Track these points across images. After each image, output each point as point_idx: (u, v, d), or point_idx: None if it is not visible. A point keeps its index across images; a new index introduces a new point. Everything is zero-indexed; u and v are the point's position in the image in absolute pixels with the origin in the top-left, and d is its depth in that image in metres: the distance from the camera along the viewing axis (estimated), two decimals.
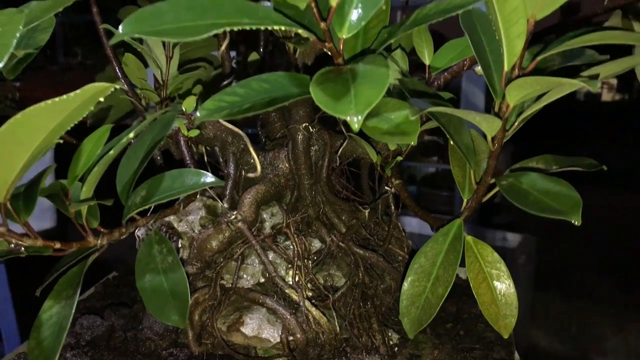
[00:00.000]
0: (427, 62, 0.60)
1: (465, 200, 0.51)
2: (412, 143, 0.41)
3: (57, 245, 0.43)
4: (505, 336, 0.50)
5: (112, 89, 0.37)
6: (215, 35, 0.66)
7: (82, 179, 0.46)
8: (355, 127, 0.29)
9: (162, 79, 0.65)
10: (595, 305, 2.37)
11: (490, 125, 0.42)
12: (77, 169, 0.45)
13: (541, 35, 0.60)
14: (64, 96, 0.35)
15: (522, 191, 0.43)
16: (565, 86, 0.37)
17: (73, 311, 0.41)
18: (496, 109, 0.44)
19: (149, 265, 0.48)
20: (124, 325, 0.63)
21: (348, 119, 0.29)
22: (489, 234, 2.20)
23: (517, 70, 0.42)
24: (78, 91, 0.36)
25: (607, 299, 2.43)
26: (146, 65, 0.66)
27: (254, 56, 0.73)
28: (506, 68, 0.42)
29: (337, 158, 0.65)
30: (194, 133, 0.58)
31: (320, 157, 0.64)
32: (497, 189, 0.47)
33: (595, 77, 0.39)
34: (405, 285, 0.49)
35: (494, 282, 0.49)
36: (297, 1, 0.36)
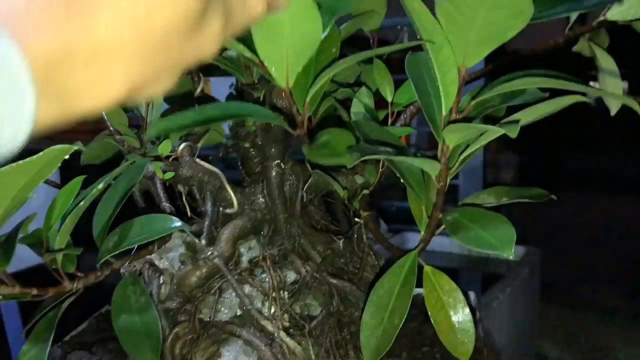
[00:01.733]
0: (389, 99, 0.63)
1: (421, 233, 0.54)
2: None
3: (34, 292, 0.47)
4: None
5: (73, 150, 0.40)
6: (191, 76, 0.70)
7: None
8: None
9: (142, 124, 0.68)
10: (602, 315, 2.36)
11: (430, 167, 0.45)
12: (52, 219, 0.48)
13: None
14: (28, 158, 0.39)
15: (464, 226, 0.46)
16: (491, 132, 0.40)
17: (47, 354, 0.44)
18: (439, 150, 0.46)
19: (123, 306, 0.52)
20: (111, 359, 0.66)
21: None
22: None
23: (454, 113, 0.45)
24: (41, 153, 0.39)
25: (614, 308, 2.43)
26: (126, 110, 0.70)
27: None
28: (444, 112, 0.45)
29: (311, 192, 0.68)
30: (169, 176, 0.61)
31: (294, 192, 0.67)
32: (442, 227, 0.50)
33: (516, 122, 0.42)
34: (366, 316, 0.52)
35: (451, 310, 0.52)
36: None
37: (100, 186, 0.47)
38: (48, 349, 0.44)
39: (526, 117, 0.44)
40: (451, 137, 0.44)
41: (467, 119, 0.46)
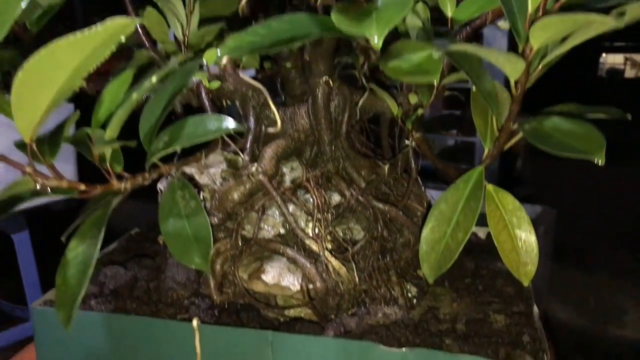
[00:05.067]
0: (449, 14, 0.60)
1: (486, 149, 0.51)
2: (434, 81, 0.41)
3: (82, 187, 0.44)
4: (526, 284, 0.50)
5: (134, 26, 0.37)
6: None
7: (105, 125, 0.46)
8: (376, 43, 0.29)
9: (183, 34, 0.65)
10: (613, 277, 2.36)
11: (513, 67, 0.42)
12: (100, 115, 0.45)
13: None
14: (86, 31, 0.35)
15: (545, 134, 0.43)
16: (593, 25, 0.36)
17: (98, 249, 0.42)
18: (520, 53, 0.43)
19: (172, 210, 0.49)
20: (146, 275, 0.64)
21: (370, 37, 0.30)
22: None
23: (541, 12, 0.42)
24: (100, 27, 0.35)
25: (626, 271, 2.42)
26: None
27: None
28: (530, 10, 0.42)
29: (357, 113, 0.65)
30: (215, 85, 0.58)
31: (340, 112, 0.64)
32: (518, 136, 0.47)
33: (620, 14, 0.39)
34: (426, 231, 0.49)
35: (515, 229, 0.49)
36: None
37: (154, 79, 0.44)
38: (99, 244, 0.42)
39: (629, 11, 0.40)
40: (539, 35, 0.40)
41: None
